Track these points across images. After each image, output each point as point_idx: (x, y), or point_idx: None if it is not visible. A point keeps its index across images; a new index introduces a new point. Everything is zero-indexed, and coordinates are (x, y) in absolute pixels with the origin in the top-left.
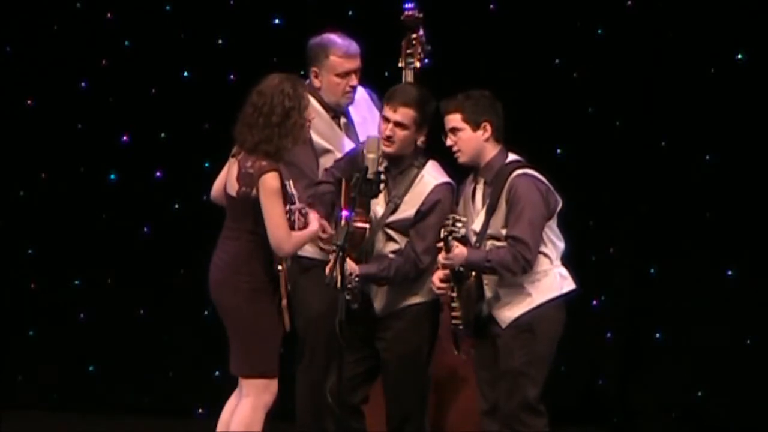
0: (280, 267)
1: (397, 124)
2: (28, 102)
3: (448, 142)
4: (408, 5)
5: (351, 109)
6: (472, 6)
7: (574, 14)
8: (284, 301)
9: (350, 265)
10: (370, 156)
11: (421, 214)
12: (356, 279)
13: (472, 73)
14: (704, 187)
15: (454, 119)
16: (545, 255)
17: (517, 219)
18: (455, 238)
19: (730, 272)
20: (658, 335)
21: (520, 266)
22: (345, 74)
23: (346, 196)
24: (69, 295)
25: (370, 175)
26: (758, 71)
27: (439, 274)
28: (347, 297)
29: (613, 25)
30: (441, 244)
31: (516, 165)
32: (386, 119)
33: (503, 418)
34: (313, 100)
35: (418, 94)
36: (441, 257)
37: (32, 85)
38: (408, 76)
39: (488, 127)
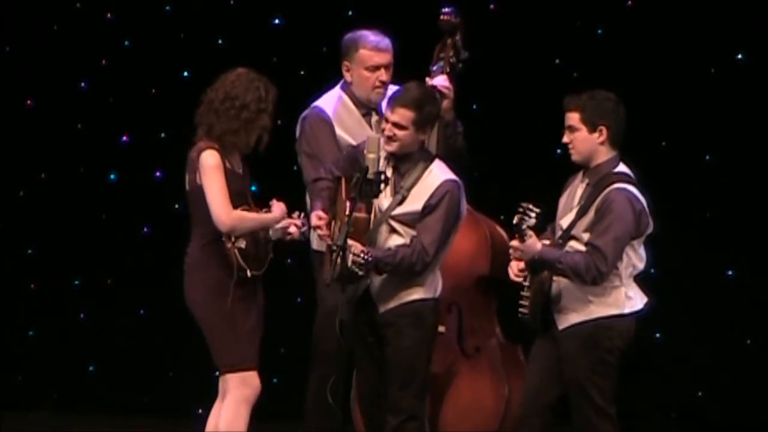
0: (229, 245)
1: (395, 124)
2: (28, 102)
3: (564, 140)
4: (445, 9)
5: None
6: (472, 6)
7: (574, 14)
8: (233, 280)
9: (357, 246)
10: (371, 156)
11: (429, 208)
12: (370, 257)
13: (472, 73)
14: (704, 187)
15: (572, 117)
16: (616, 272)
17: (604, 231)
18: (529, 227)
19: (730, 272)
20: (658, 335)
21: (591, 276)
22: (374, 68)
23: (347, 195)
24: (69, 295)
25: (370, 175)
26: (758, 71)
27: (518, 263)
28: (359, 272)
29: (613, 25)
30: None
31: (620, 178)
32: (386, 119)
33: (575, 426)
34: (344, 96)
35: (417, 96)
36: (512, 245)
37: (32, 85)
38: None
39: (605, 131)
